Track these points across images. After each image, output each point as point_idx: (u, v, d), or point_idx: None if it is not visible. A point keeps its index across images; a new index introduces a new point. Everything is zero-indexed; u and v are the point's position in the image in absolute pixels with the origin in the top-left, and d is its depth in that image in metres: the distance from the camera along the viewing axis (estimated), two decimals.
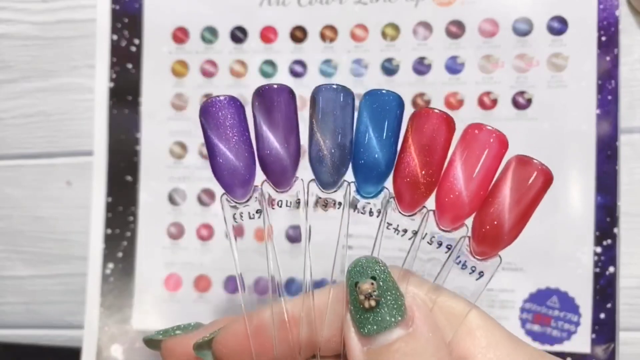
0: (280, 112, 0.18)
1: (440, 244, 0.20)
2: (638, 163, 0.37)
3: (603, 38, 0.37)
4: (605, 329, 0.36)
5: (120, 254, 0.40)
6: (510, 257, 0.37)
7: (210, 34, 0.40)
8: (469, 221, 0.19)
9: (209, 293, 0.40)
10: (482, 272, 0.19)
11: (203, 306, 0.39)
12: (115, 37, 0.41)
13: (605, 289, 0.36)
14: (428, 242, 0.20)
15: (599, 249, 0.36)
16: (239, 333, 0.21)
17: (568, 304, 0.36)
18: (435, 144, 0.18)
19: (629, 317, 0.36)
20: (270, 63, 0.40)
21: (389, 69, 0.39)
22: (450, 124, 0.18)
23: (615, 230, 0.36)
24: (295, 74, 0.40)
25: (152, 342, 0.22)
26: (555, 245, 0.37)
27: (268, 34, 0.40)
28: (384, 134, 0.18)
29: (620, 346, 0.36)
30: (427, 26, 0.38)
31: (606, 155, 0.36)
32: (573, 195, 0.37)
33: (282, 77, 0.40)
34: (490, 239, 0.17)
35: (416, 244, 0.20)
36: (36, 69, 0.42)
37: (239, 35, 0.40)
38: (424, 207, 0.19)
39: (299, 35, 0.40)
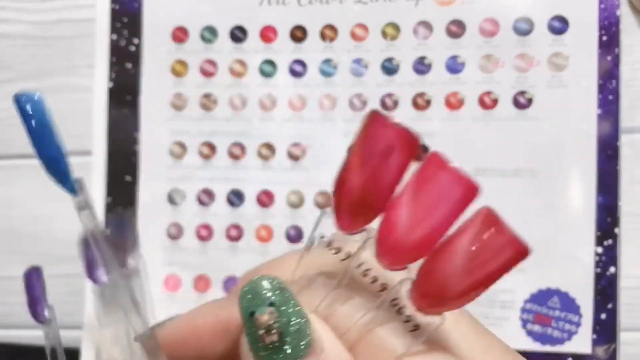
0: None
1: (375, 280, 0.16)
2: (639, 163, 0.37)
3: (604, 38, 0.37)
4: (606, 330, 0.36)
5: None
6: None
7: (209, 34, 0.40)
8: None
9: (208, 293, 0.40)
10: (417, 325, 0.16)
11: None
12: (114, 36, 0.41)
13: (606, 289, 0.36)
14: (362, 275, 0.16)
15: (599, 249, 0.36)
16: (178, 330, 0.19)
17: (569, 304, 0.36)
18: (386, 164, 0.14)
19: (630, 317, 0.36)
20: (270, 63, 0.40)
21: (389, 68, 0.39)
22: (411, 142, 0.14)
23: (616, 230, 0.36)
24: (295, 74, 0.39)
25: (144, 337, 0.21)
26: (556, 246, 0.37)
27: (268, 34, 0.40)
28: None
29: (621, 346, 0.36)
30: (427, 26, 0.38)
31: (607, 155, 0.36)
32: (574, 195, 0.36)
33: (282, 77, 0.40)
34: (433, 300, 0.14)
35: (348, 271, 0.16)
36: (35, 69, 0.42)
37: (238, 34, 0.40)
38: (365, 229, 0.16)
39: (299, 34, 0.40)
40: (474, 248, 0.14)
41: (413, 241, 0.14)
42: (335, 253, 0.17)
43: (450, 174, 0.14)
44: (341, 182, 0.15)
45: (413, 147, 0.14)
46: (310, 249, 0.17)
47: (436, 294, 0.14)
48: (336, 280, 0.17)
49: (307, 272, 0.17)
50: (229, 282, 0.40)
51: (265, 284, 0.15)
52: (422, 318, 0.15)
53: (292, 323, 0.15)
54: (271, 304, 0.15)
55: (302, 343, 0.15)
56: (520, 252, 0.14)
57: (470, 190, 0.14)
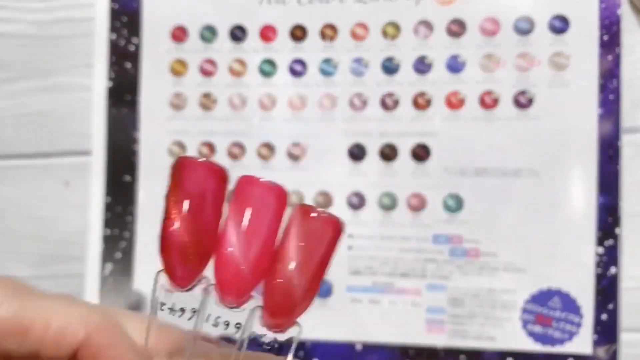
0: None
1: (227, 324, 0.16)
2: None
3: (605, 37, 0.36)
4: (607, 330, 0.36)
5: (119, 255, 0.40)
6: (511, 257, 0.37)
7: (209, 33, 0.40)
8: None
9: None
10: (281, 344, 0.16)
11: None
12: (113, 36, 0.41)
13: (607, 289, 0.36)
14: (213, 325, 0.16)
15: (600, 250, 0.36)
16: None
17: (570, 304, 0.36)
18: (204, 201, 0.15)
19: (631, 318, 0.36)
20: (269, 62, 0.40)
21: (389, 68, 0.38)
22: (220, 174, 0.15)
23: (617, 230, 0.36)
24: (295, 73, 0.39)
25: None
26: (556, 246, 0.36)
27: (268, 33, 0.40)
28: None
29: (622, 347, 0.36)
30: (428, 25, 0.38)
31: (608, 155, 0.36)
32: (575, 196, 0.36)
33: (282, 76, 0.39)
34: (285, 309, 0.15)
35: (198, 326, 0.16)
36: (34, 68, 0.42)
37: (238, 34, 0.40)
38: (202, 279, 0.16)
39: (298, 34, 0.39)
40: (300, 243, 0.15)
41: (250, 263, 0.15)
42: (180, 315, 0.16)
43: (260, 186, 0.15)
44: (166, 234, 0.15)
45: (223, 178, 0.15)
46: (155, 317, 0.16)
47: (285, 303, 0.15)
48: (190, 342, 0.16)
49: (158, 340, 0.17)
50: None
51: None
52: (282, 336, 0.15)
53: None
54: None
55: None
56: (337, 226, 0.15)
57: (281, 195, 0.15)
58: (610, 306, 0.36)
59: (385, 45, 0.39)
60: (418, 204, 0.38)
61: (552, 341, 0.36)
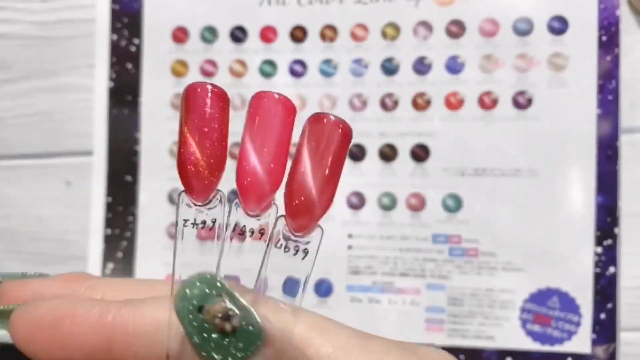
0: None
1: (252, 232, 0.18)
2: (639, 163, 0.37)
3: (604, 38, 0.37)
4: (605, 330, 0.36)
5: (120, 254, 0.40)
6: (510, 257, 0.37)
7: (210, 34, 0.40)
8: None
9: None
10: (306, 249, 0.17)
11: None
12: (115, 36, 0.41)
13: (605, 289, 0.36)
14: (239, 233, 0.18)
15: (599, 249, 0.36)
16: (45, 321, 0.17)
17: (568, 304, 0.36)
18: (209, 121, 0.16)
19: (630, 317, 0.36)
20: (270, 63, 0.40)
21: (389, 68, 0.39)
22: (221, 96, 0.17)
23: (616, 230, 0.36)
24: (295, 74, 0.39)
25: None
26: (555, 246, 0.37)
27: (268, 34, 0.40)
28: None
29: (621, 346, 0.36)
30: (427, 26, 0.38)
31: (607, 155, 0.36)
32: (573, 195, 0.36)
33: (282, 77, 0.40)
34: (303, 209, 0.16)
35: (223, 235, 0.18)
36: (36, 69, 0.42)
37: (238, 35, 0.40)
38: (219, 192, 0.18)
39: (298, 35, 0.40)
40: (312, 145, 0.16)
41: (267, 169, 0.17)
42: (202, 227, 0.18)
43: (262, 97, 0.16)
44: (180, 154, 0.16)
45: (224, 98, 0.17)
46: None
47: (304, 203, 0.16)
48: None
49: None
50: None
51: (212, 279, 0.15)
52: (305, 241, 0.17)
53: (245, 314, 0.14)
54: (218, 295, 0.15)
55: (254, 334, 0.14)
56: (345, 129, 0.16)
57: (288, 106, 0.17)
58: (609, 306, 0.36)
59: (385, 46, 0.39)
60: (417, 204, 0.38)
61: (551, 340, 0.37)
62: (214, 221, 0.18)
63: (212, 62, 0.40)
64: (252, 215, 0.18)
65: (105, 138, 0.41)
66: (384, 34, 0.39)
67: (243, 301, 0.15)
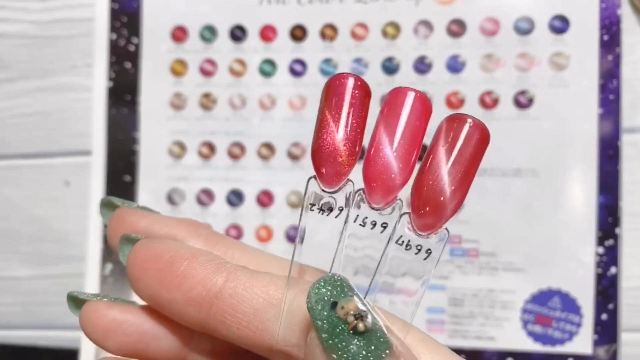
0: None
1: (374, 224, 0.17)
2: None
3: (605, 37, 0.36)
4: (607, 330, 0.36)
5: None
6: (511, 257, 0.37)
7: (209, 33, 0.40)
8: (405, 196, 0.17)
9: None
10: (429, 249, 0.17)
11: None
12: (114, 36, 0.41)
13: (607, 289, 0.36)
14: (360, 225, 0.18)
15: (600, 250, 0.36)
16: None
17: (570, 304, 0.36)
18: (352, 107, 0.17)
19: (631, 317, 0.36)
20: (269, 62, 0.40)
21: (389, 68, 0.38)
22: (364, 88, 0.17)
23: (617, 230, 0.36)
24: (295, 73, 0.39)
25: (74, 299, 0.19)
26: (556, 246, 0.36)
27: (268, 33, 0.40)
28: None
29: (622, 347, 0.36)
30: (427, 25, 0.38)
31: (608, 155, 0.36)
32: (575, 195, 0.36)
33: (282, 76, 0.39)
34: (432, 208, 0.16)
35: (346, 224, 0.18)
36: (34, 68, 0.42)
37: (238, 34, 0.40)
38: (349, 181, 0.17)
39: (298, 34, 0.39)
40: (449, 144, 0.16)
41: (400, 162, 0.16)
42: (328, 214, 0.17)
43: (402, 93, 0.17)
44: (318, 139, 0.16)
45: (367, 91, 0.17)
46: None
47: (434, 202, 0.16)
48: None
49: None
50: None
51: (344, 280, 0.15)
52: (428, 242, 0.17)
53: (373, 317, 0.14)
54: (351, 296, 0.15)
55: (383, 344, 0.14)
56: (483, 130, 0.16)
57: (426, 103, 0.16)
58: (611, 306, 0.36)
59: (385, 45, 0.39)
60: None
61: (552, 341, 0.36)
62: (340, 209, 0.17)
63: (212, 62, 0.40)
64: (376, 208, 0.17)
65: (104, 138, 0.41)
66: (385, 33, 0.39)
67: (370, 307, 0.15)
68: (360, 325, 0.14)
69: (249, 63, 0.40)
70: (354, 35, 0.39)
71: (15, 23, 0.42)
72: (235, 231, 0.40)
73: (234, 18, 0.40)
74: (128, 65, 0.41)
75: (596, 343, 0.36)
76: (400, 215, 0.17)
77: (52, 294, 0.42)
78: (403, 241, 0.17)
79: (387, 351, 0.14)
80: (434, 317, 0.37)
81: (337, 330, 0.14)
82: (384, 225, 0.17)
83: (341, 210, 0.17)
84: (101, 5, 0.41)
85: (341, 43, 0.39)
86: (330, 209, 0.17)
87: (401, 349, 0.15)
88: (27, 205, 0.42)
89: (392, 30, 0.39)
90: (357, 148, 0.17)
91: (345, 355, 0.14)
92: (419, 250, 0.17)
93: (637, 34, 0.37)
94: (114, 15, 0.41)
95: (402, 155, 0.16)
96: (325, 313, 0.14)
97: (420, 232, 0.17)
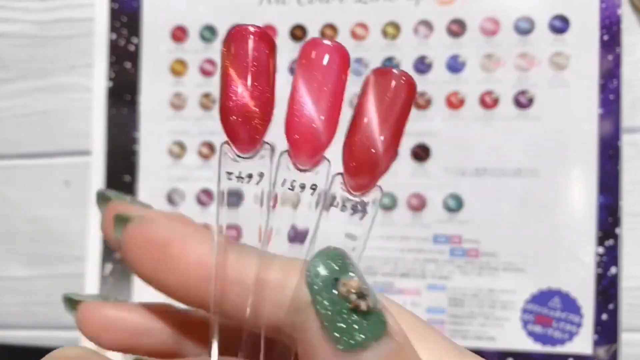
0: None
1: (303, 187, 0.17)
2: None
3: (605, 37, 0.36)
4: (607, 330, 0.36)
5: (118, 255, 0.40)
6: (511, 257, 0.37)
7: (209, 33, 0.40)
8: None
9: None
10: (364, 209, 0.16)
11: None
12: (113, 35, 0.41)
13: (607, 289, 0.36)
14: (289, 188, 0.17)
15: (601, 250, 0.36)
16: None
17: (570, 304, 0.36)
18: (257, 62, 0.15)
19: (632, 318, 0.36)
20: None
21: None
22: (267, 39, 0.16)
23: (618, 230, 0.36)
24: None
25: (70, 301, 0.19)
26: (556, 246, 0.36)
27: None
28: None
29: (623, 347, 0.36)
30: (428, 25, 0.38)
31: (608, 155, 0.36)
32: (575, 195, 0.36)
33: (282, 76, 0.39)
34: (366, 164, 0.15)
35: (271, 189, 0.17)
36: (34, 68, 0.42)
37: None
38: (266, 144, 0.16)
39: (298, 34, 0.39)
40: (377, 98, 0.15)
41: (324, 119, 0.15)
42: (248, 181, 0.17)
43: (319, 45, 0.16)
44: (226, 100, 0.15)
45: (270, 40, 0.16)
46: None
47: (367, 158, 0.15)
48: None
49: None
50: None
51: (346, 254, 0.15)
52: (363, 201, 0.16)
53: (373, 296, 0.14)
54: (352, 273, 0.14)
55: (382, 323, 0.14)
56: (410, 83, 0.15)
57: (344, 54, 0.16)
58: (611, 306, 0.36)
59: (385, 45, 0.39)
60: (418, 204, 0.38)
61: (552, 341, 0.36)
62: (261, 175, 0.17)
63: (212, 62, 0.40)
64: (303, 169, 0.16)
65: (104, 138, 0.41)
66: (385, 33, 0.39)
67: (369, 286, 0.14)
68: (363, 305, 0.14)
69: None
70: (354, 35, 0.39)
71: (15, 23, 0.42)
72: (235, 231, 0.40)
73: (234, 18, 0.40)
74: (128, 65, 0.41)
75: (596, 343, 0.36)
76: (333, 177, 0.16)
77: (52, 294, 0.42)
78: (338, 202, 0.16)
79: (385, 331, 0.14)
80: (434, 317, 0.37)
81: (338, 308, 0.14)
82: (313, 187, 0.17)
83: (262, 176, 0.17)
84: (101, 5, 0.41)
85: (341, 43, 0.39)
86: (250, 176, 0.16)
87: (397, 328, 0.14)
88: (27, 205, 0.42)
89: (392, 30, 0.39)
90: (270, 107, 0.16)
91: (345, 334, 0.14)
92: (355, 210, 0.16)
93: (637, 34, 0.37)
94: (114, 15, 0.41)
95: (326, 111, 0.16)
96: (326, 290, 0.14)
97: (354, 192, 0.16)
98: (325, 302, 0.14)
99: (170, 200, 0.40)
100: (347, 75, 0.16)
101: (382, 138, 0.15)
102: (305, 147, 0.16)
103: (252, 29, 0.15)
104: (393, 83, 0.15)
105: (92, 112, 0.41)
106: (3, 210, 0.42)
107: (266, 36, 0.15)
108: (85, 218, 0.41)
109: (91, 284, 0.40)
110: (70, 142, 0.42)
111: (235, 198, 0.39)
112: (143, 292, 0.40)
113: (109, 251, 0.40)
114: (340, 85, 0.16)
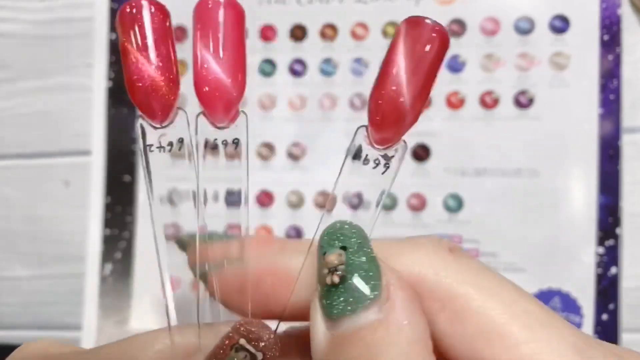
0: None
1: (225, 144, 0.17)
2: None
3: (605, 37, 0.36)
4: (607, 330, 0.36)
5: (118, 255, 0.40)
6: (511, 257, 0.37)
7: None
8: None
9: (207, 294, 0.39)
10: (387, 163, 0.16)
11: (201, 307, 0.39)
12: (113, 35, 0.41)
13: (607, 289, 0.36)
14: (212, 148, 0.17)
15: (601, 250, 0.36)
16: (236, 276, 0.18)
17: (570, 305, 0.36)
18: (155, 35, 0.15)
19: (632, 318, 0.36)
20: (269, 62, 0.39)
21: None
22: (160, 8, 0.16)
23: (618, 230, 0.36)
24: (295, 73, 0.39)
25: (182, 242, 0.20)
26: (557, 246, 0.36)
27: (267, 33, 0.40)
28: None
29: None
30: None
31: (608, 155, 0.36)
32: (575, 195, 0.36)
33: (282, 76, 0.39)
34: (393, 118, 0.15)
35: (198, 151, 0.17)
36: (34, 68, 0.42)
37: None
38: (179, 109, 0.17)
39: (298, 33, 0.39)
40: (408, 48, 0.15)
41: (230, 73, 0.15)
42: (170, 149, 0.17)
43: (214, 2, 0.15)
44: (132, 74, 0.15)
45: (163, 9, 0.16)
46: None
47: (393, 111, 0.15)
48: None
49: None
50: None
51: (344, 229, 0.15)
52: (387, 155, 0.16)
53: (360, 269, 0.15)
54: (343, 248, 0.15)
55: (369, 292, 0.14)
56: (443, 35, 0.15)
57: (235, 6, 0.15)
58: (611, 306, 0.36)
59: (385, 44, 0.38)
60: (418, 204, 0.38)
61: None
62: (181, 141, 0.17)
63: None
64: (221, 127, 0.16)
65: (104, 138, 0.41)
66: (385, 33, 0.39)
67: (370, 257, 0.15)
68: (328, 279, 0.15)
69: (249, 63, 0.40)
70: (354, 35, 0.39)
71: (14, 23, 0.42)
72: (235, 231, 0.40)
73: None
74: None
75: None
76: (357, 129, 0.16)
77: (52, 294, 0.42)
78: (361, 155, 0.16)
79: (367, 301, 0.14)
80: None
81: (324, 279, 0.15)
82: (235, 141, 0.17)
83: (182, 142, 0.17)
84: (101, 5, 0.41)
85: (341, 43, 0.39)
86: (170, 144, 0.17)
87: (398, 297, 0.15)
88: (27, 205, 0.42)
89: (392, 30, 0.38)
90: (175, 74, 0.16)
91: (327, 304, 0.15)
92: (377, 164, 0.16)
93: (638, 33, 0.37)
94: (114, 14, 0.41)
95: (230, 64, 0.15)
96: (319, 260, 0.15)
97: (378, 146, 0.16)
98: (319, 274, 0.15)
99: (171, 200, 0.40)
100: (244, 26, 0.16)
101: (410, 94, 0.15)
102: (218, 104, 0.16)
103: (143, 2, 0.15)
104: (425, 35, 0.15)
105: (92, 112, 0.41)
106: (3, 210, 0.42)
107: (158, 5, 0.16)
108: (85, 218, 0.41)
109: (91, 284, 0.40)
110: (70, 142, 0.42)
111: (236, 198, 0.39)
112: (143, 292, 0.40)
113: (108, 251, 0.40)
114: (240, 37, 0.16)
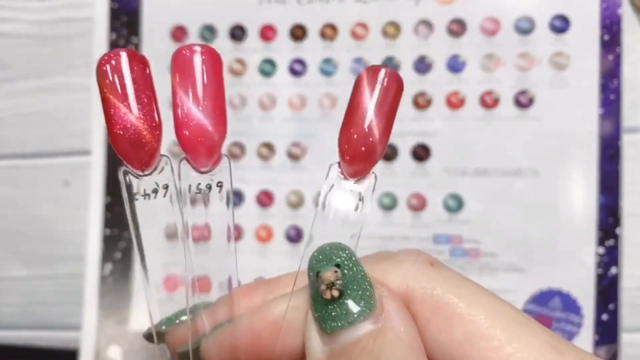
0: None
1: (209, 187, 0.17)
2: None
3: (605, 37, 0.36)
4: (607, 331, 0.36)
5: (118, 255, 0.40)
6: (511, 257, 0.37)
7: (209, 33, 0.40)
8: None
9: (207, 294, 0.39)
10: (360, 195, 0.18)
11: None
12: (113, 35, 0.41)
13: (607, 289, 0.36)
14: (196, 192, 0.18)
15: (601, 250, 0.36)
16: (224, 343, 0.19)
17: (570, 305, 0.36)
18: (137, 85, 0.16)
19: (632, 318, 0.36)
20: (269, 62, 0.39)
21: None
22: (139, 58, 0.16)
23: (618, 230, 0.36)
24: (295, 73, 0.39)
25: (153, 336, 0.21)
26: (557, 246, 0.36)
27: (267, 33, 0.40)
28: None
29: (623, 347, 0.36)
30: (428, 25, 0.38)
31: (609, 155, 0.36)
32: (575, 195, 0.36)
33: (282, 76, 0.39)
34: (365, 153, 0.16)
35: (179, 199, 0.18)
36: (34, 68, 0.42)
37: (238, 33, 0.40)
38: (162, 157, 0.17)
39: (298, 33, 0.39)
40: (372, 93, 0.17)
41: (212, 118, 0.16)
42: (155, 197, 0.17)
43: (190, 50, 0.16)
44: (114, 125, 0.16)
45: (142, 59, 0.16)
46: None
47: (365, 148, 0.16)
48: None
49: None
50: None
51: (334, 248, 0.17)
52: (359, 188, 0.18)
53: (355, 284, 0.16)
54: (337, 265, 0.16)
55: (364, 305, 0.15)
56: (398, 80, 0.17)
57: (213, 55, 0.16)
58: (611, 306, 0.36)
59: (385, 45, 0.39)
60: (418, 204, 0.38)
61: None
62: (166, 187, 0.17)
63: None
64: (205, 171, 0.17)
65: (104, 138, 0.41)
66: (385, 33, 0.39)
67: (361, 273, 0.16)
68: (327, 294, 0.16)
69: (249, 63, 0.40)
70: (354, 35, 0.39)
71: (14, 23, 0.42)
72: (235, 231, 0.40)
73: (234, 17, 0.40)
74: None
75: (597, 343, 0.36)
76: (330, 166, 0.18)
77: (51, 294, 0.42)
78: (334, 193, 0.18)
79: (365, 313, 0.15)
80: None
81: (318, 298, 0.16)
82: (220, 185, 0.18)
83: (166, 188, 0.17)
84: (101, 4, 0.41)
85: (341, 43, 0.39)
86: (155, 191, 0.17)
87: (390, 308, 0.16)
88: (27, 205, 0.42)
89: (392, 30, 0.38)
90: (157, 122, 0.16)
91: (325, 319, 0.16)
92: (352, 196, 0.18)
93: (638, 33, 0.37)
94: (114, 14, 0.41)
95: (211, 110, 0.16)
96: (312, 281, 0.16)
97: (351, 179, 0.17)
98: (312, 293, 0.16)
99: (170, 200, 0.40)
100: (222, 73, 0.17)
101: (377, 131, 0.16)
102: (201, 149, 0.16)
103: (122, 53, 0.16)
104: (384, 78, 0.17)
105: (92, 112, 0.41)
106: (3, 210, 0.42)
107: (136, 55, 0.16)
108: (85, 218, 0.41)
109: (91, 284, 0.40)
110: (70, 142, 0.42)
111: (236, 198, 0.39)
112: (142, 292, 0.40)
113: (108, 251, 0.40)
114: (217, 84, 0.16)
